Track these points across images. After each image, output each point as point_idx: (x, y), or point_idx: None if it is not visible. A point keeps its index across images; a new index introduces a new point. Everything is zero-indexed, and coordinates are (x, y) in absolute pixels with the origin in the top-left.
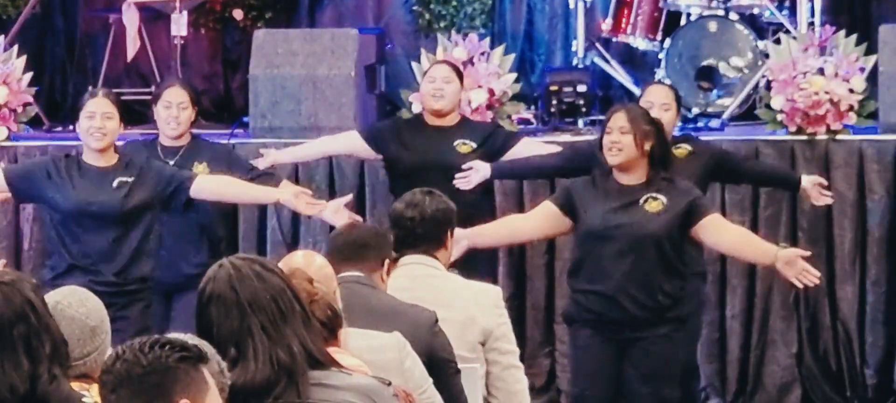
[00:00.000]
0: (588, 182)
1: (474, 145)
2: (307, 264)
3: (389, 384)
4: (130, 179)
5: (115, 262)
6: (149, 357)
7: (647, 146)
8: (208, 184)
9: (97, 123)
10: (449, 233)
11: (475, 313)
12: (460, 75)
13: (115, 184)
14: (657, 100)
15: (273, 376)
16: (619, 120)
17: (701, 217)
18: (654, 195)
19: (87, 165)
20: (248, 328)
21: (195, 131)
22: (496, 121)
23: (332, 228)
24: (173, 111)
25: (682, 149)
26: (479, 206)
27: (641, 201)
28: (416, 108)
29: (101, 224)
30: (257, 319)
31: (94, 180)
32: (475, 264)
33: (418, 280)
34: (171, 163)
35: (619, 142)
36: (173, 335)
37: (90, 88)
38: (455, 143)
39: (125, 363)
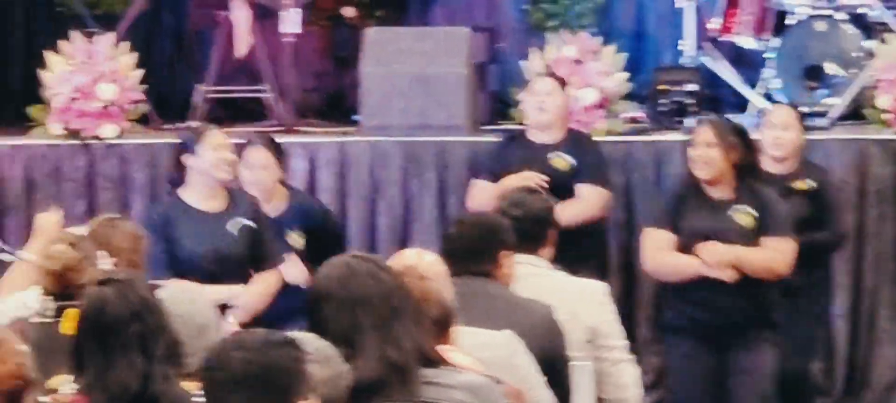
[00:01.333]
0: (678, 196)
1: (573, 162)
2: (418, 261)
3: (499, 382)
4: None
5: None
6: (272, 355)
7: (734, 158)
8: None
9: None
10: (551, 231)
11: (580, 310)
12: (563, 85)
13: None
14: (779, 120)
15: (384, 374)
16: (705, 134)
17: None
18: (743, 208)
19: None
20: (359, 326)
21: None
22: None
23: (444, 226)
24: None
25: (804, 185)
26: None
27: (731, 213)
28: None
29: None
30: (368, 317)
31: None
32: (585, 261)
33: (523, 279)
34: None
35: (705, 155)
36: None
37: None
38: (550, 157)
39: (244, 362)
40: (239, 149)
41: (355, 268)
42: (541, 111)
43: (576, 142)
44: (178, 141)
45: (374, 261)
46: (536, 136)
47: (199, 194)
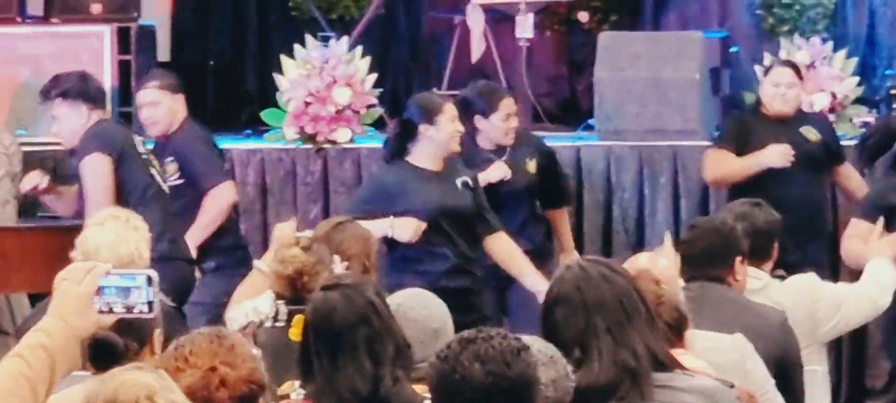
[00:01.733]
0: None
1: (819, 135)
2: (652, 265)
3: (732, 386)
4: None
5: None
6: (513, 368)
7: None
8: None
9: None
10: (776, 244)
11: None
12: (800, 77)
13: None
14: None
15: (616, 377)
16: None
17: None
18: None
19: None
20: (593, 329)
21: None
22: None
23: (677, 231)
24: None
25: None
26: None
27: None
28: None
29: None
30: (602, 321)
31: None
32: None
33: (752, 293)
34: None
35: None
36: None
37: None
38: (801, 129)
39: (485, 374)
40: None
41: (589, 272)
42: (784, 102)
43: (816, 120)
44: (411, 109)
45: (608, 265)
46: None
47: (428, 160)
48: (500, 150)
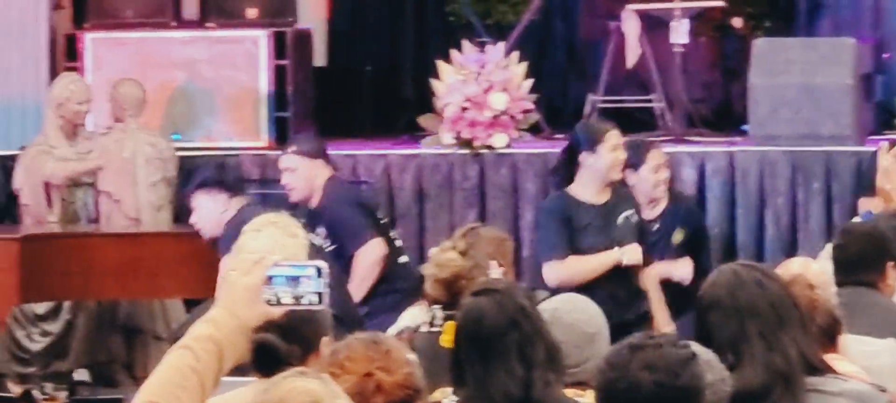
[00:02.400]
0: None
1: None
2: (805, 270)
3: (883, 390)
4: None
5: None
6: (682, 378)
7: None
8: None
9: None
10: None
11: None
12: None
13: None
14: None
15: (769, 382)
16: None
17: None
18: None
19: None
20: (745, 333)
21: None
22: None
23: (830, 236)
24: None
25: None
26: None
27: None
28: None
29: None
30: (755, 325)
31: None
32: None
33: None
34: None
35: None
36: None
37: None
38: None
39: (656, 384)
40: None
41: (743, 277)
42: None
43: None
44: (574, 137)
45: (761, 270)
46: None
47: (589, 190)
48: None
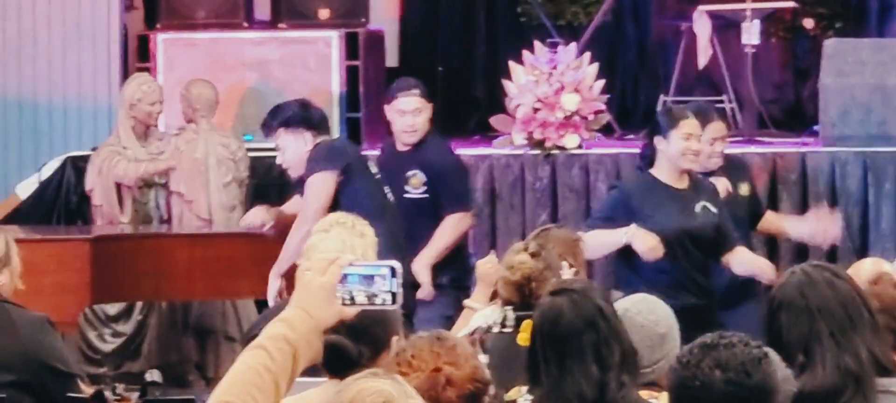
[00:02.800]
0: None
1: None
2: (877, 270)
3: None
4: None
5: None
6: (755, 377)
7: None
8: None
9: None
10: None
11: None
12: None
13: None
14: None
15: (840, 382)
16: None
17: None
18: None
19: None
20: (816, 334)
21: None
22: None
23: None
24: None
25: None
26: None
27: None
28: None
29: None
30: (826, 325)
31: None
32: None
33: None
34: None
35: None
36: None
37: (663, 100)
38: None
39: (728, 383)
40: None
41: (813, 277)
42: None
43: None
44: (654, 120)
45: (832, 270)
46: None
47: (666, 174)
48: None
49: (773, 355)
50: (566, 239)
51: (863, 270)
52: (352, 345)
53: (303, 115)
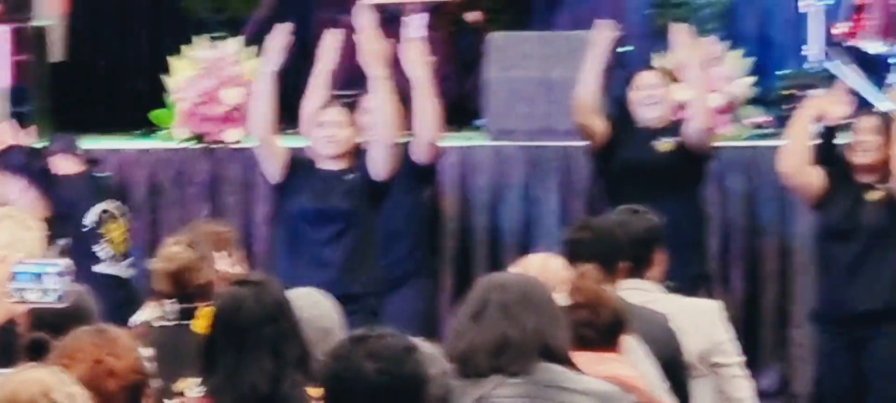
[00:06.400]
0: (832, 178)
1: (673, 143)
2: (545, 267)
3: (631, 390)
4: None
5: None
6: (406, 366)
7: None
8: None
9: (329, 132)
10: (657, 251)
11: (692, 334)
12: (667, 80)
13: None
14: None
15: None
16: (869, 122)
17: None
18: (877, 186)
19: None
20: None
21: None
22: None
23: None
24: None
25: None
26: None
27: (867, 194)
28: None
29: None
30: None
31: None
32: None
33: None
34: None
35: (867, 142)
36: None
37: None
38: (656, 143)
39: (379, 373)
40: None
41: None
42: (653, 104)
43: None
44: None
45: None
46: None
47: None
48: None
49: (425, 346)
50: (216, 231)
51: (532, 265)
52: (49, 340)
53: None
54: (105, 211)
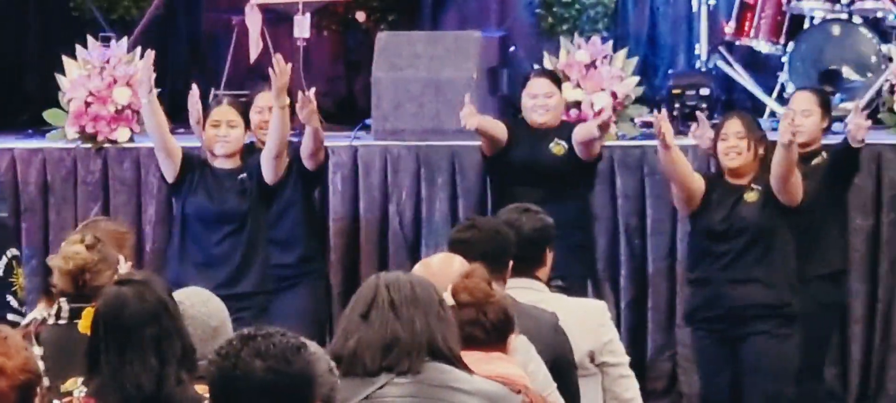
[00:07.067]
0: (710, 182)
1: (567, 146)
2: (447, 266)
3: (520, 391)
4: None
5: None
6: (294, 364)
7: (761, 151)
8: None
9: (222, 131)
10: (547, 250)
11: (578, 334)
12: (559, 84)
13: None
14: (798, 106)
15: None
16: (734, 125)
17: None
18: (752, 186)
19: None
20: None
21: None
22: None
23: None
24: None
25: (822, 159)
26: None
27: (743, 195)
28: None
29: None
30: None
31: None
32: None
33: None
34: None
35: (736, 146)
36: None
37: (214, 93)
38: (550, 145)
39: (266, 370)
40: None
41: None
42: (545, 111)
43: (567, 128)
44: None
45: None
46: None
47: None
48: None
49: (313, 345)
50: (115, 232)
51: (432, 266)
52: None
53: None
54: (15, 257)
